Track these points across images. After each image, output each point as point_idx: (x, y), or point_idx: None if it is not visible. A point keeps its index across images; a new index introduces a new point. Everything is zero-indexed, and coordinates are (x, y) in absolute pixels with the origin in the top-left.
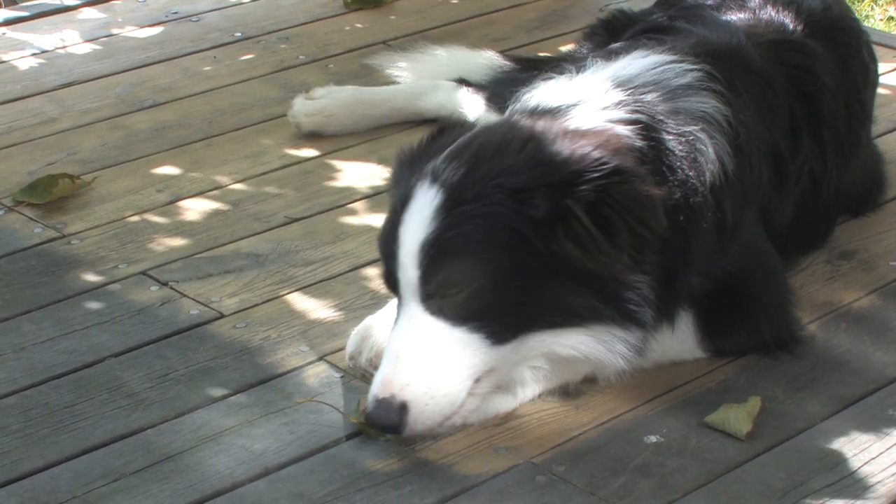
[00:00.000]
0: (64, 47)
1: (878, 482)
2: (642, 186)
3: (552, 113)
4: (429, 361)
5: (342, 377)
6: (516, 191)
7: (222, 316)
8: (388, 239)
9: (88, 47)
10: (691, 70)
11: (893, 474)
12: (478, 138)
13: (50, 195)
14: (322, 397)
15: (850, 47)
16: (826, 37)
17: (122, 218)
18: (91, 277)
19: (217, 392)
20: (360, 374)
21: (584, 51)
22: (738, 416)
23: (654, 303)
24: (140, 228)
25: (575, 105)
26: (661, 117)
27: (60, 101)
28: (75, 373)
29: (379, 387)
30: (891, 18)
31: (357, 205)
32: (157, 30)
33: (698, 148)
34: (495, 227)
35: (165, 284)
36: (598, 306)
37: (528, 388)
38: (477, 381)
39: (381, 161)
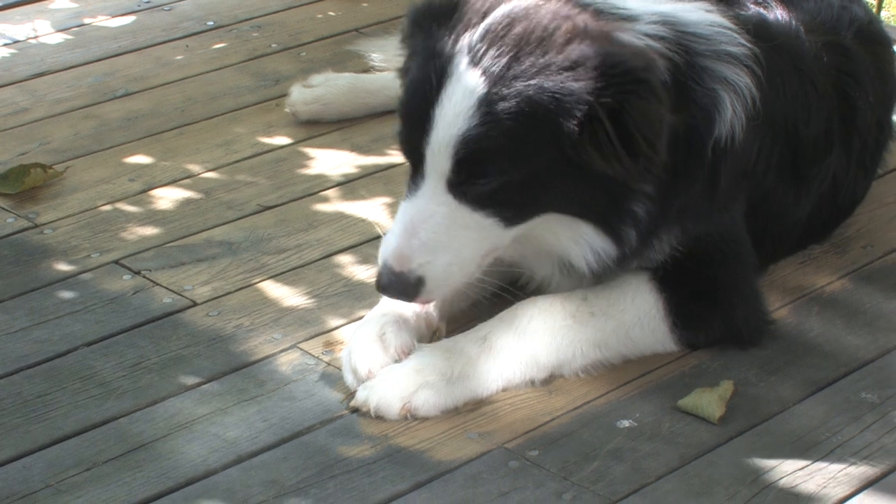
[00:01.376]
0: (36, 37)
1: (851, 465)
2: (659, 107)
3: (596, 12)
4: (447, 242)
5: (315, 364)
6: (557, 94)
7: (195, 304)
8: (419, 112)
9: (60, 37)
10: (743, 45)
11: (866, 457)
12: (520, 20)
13: (22, 185)
14: (295, 385)
15: (887, 63)
16: (869, 49)
17: (94, 207)
18: (63, 267)
19: (190, 380)
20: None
21: None
22: (710, 401)
23: (644, 227)
24: (112, 217)
25: (622, 19)
26: (696, 68)
27: (32, 91)
28: (48, 362)
29: (395, 260)
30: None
31: (330, 192)
32: (130, 19)
33: (717, 106)
34: (534, 129)
35: (138, 273)
36: (600, 205)
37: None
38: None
39: (354, 148)
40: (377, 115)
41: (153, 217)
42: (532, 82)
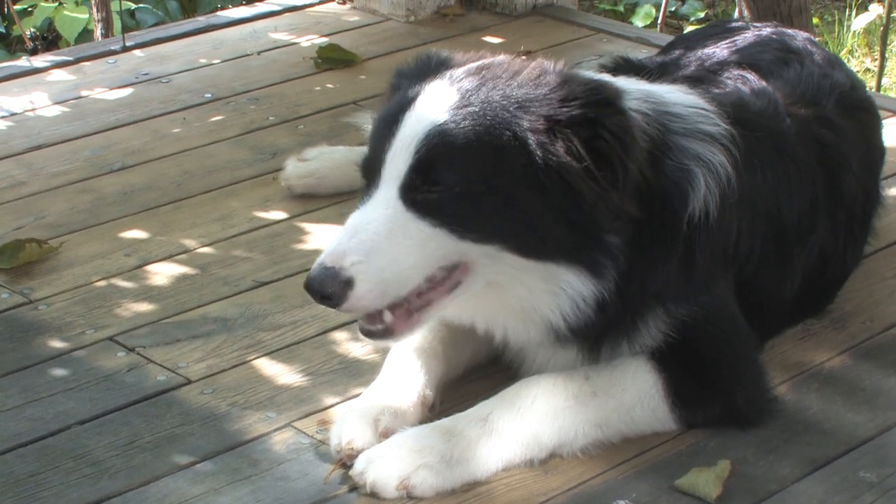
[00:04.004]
0: (33, 109)
1: None
2: (631, 123)
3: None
4: (386, 247)
5: (310, 443)
6: (524, 103)
7: (189, 382)
8: (387, 123)
9: (57, 109)
10: (718, 126)
11: None
12: (498, 64)
13: (17, 260)
14: (289, 465)
15: (871, 129)
16: (852, 116)
17: (89, 283)
18: (57, 344)
19: (183, 459)
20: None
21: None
22: (707, 480)
23: (620, 268)
24: (107, 293)
25: None
26: (671, 145)
27: (29, 165)
28: (41, 441)
29: (329, 256)
30: (867, 70)
31: None
32: (127, 91)
33: (690, 181)
34: (499, 130)
35: (132, 350)
36: (570, 241)
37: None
38: (432, 275)
39: None
40: None
41: (148, 293)
42: (499, 92)
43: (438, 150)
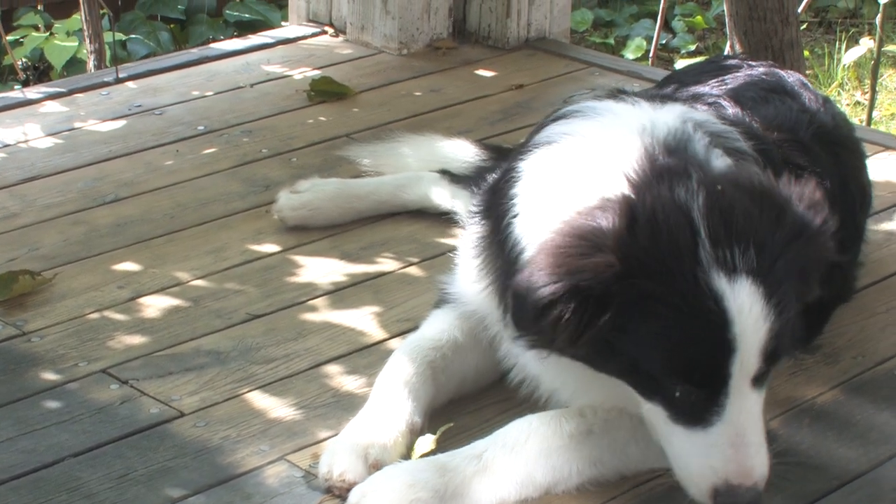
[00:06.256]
0: (26, 141)
1: None
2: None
3: (684, 155)
4: (763, 433)
5: (302, 476)
6: (802, 269)
7: (182, 415)
8: (716, 338)
9: (51, 141)
10: (743, 143)
11: None
12: (717, 206)
13: (10, 292)
14: (281, 498)
15: (852, 167)
16: (831, 150)
17: (82, 315)
18: (50, 376)
19: (176, 493)
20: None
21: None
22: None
23: None
24: (100, 326)
25: (686, 142)
26: (753, 156)
27: (22, 197)
28: (34, 473)
29: (741, 477)
30: (858, 103)
31: (318, 301)
32: (120, 123)
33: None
34: (791, 302)
35: (125, 383)
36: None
37: None
38: None
39: (343, 256)
40: (366, 220)
41: (141, 325)
42: (782, 266)
43: (780, 341)
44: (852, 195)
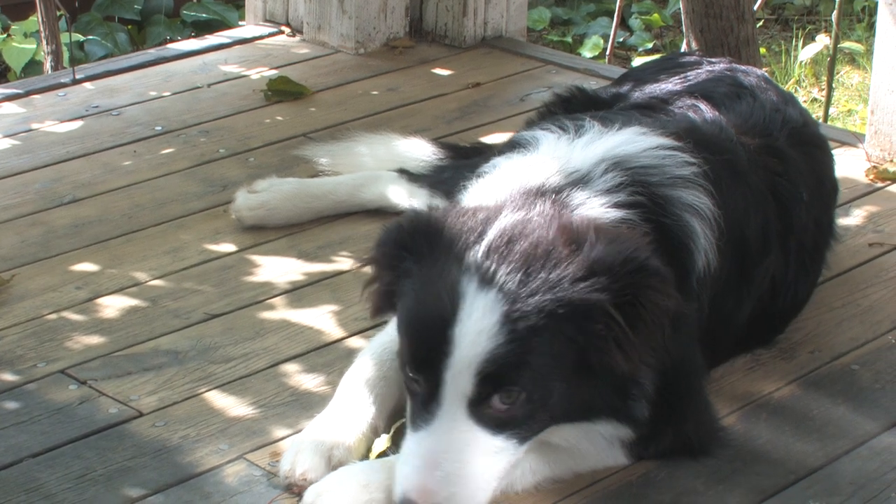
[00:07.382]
0: None
1: None
2: (669, 293)
3: (557, 195)
4: (470, 472)
5: (262, 475)
6: (579, 305)
7: (141, 414)
8: (433, 334)
9: (7, 143)
10: (690, 164)
11: None
12: (518, 237)
13: None
14: (241, 497)
15: (824, 164)
16: (804, 150)
17: (40, 316)
18: (8, 377)
19: (135, 492)
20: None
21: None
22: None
23: (651, 398)
24: (59, 326)
25: (576, 186)
26: (661, 202)
27: None
28: None
29: (416, 492)
30: (815, 100)
31: (276, 300)
32: (77, 124)
33: (692, 237)
34: (556, 343)
35: (84, 383)
36: (615, 402)
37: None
38: None
39: (301, 255)
40: (323, 219)
41: (99, 326)
42: (550, 297)
43: (502, 368)
44: (827, 192)
